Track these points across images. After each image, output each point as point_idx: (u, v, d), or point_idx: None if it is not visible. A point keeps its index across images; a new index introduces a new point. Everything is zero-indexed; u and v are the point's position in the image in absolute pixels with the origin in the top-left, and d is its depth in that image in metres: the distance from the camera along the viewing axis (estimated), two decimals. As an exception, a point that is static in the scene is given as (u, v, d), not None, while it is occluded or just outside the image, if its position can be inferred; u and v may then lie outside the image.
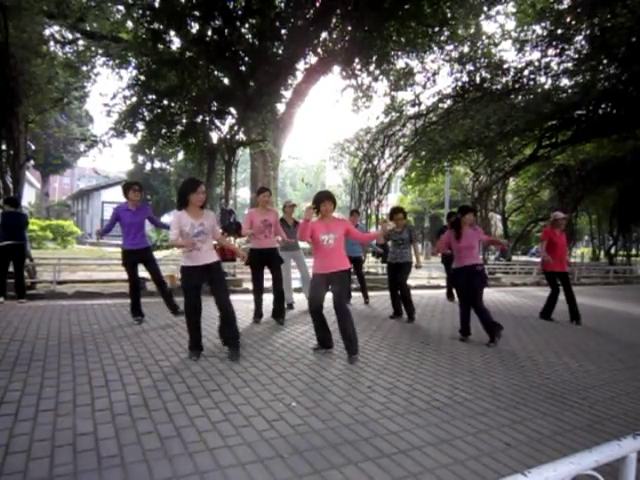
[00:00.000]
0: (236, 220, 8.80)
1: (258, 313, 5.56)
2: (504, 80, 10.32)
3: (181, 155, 15.39)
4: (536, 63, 9.87)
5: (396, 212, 6.29)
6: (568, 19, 9.01)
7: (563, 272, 6.46)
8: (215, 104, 8.83)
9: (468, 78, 10.37)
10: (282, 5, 8.39)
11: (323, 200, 4.09)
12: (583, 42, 9.36)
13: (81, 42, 10.44)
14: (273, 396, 3.02)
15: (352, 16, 8.45)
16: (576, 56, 9.55)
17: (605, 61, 9.40)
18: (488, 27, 46.57)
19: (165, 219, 22.84)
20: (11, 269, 6.33)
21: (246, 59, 8.63)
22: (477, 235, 5.04)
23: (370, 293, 7.85)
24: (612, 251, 18.94)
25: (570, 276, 13.88)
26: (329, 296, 4.13)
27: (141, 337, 4.48)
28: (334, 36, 9.54)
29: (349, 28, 9.06)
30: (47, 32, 9.43)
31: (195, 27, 8.21)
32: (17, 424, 2.44)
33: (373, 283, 9.52)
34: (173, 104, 9.13)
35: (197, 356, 3.85)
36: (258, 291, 5.56)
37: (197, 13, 7.87)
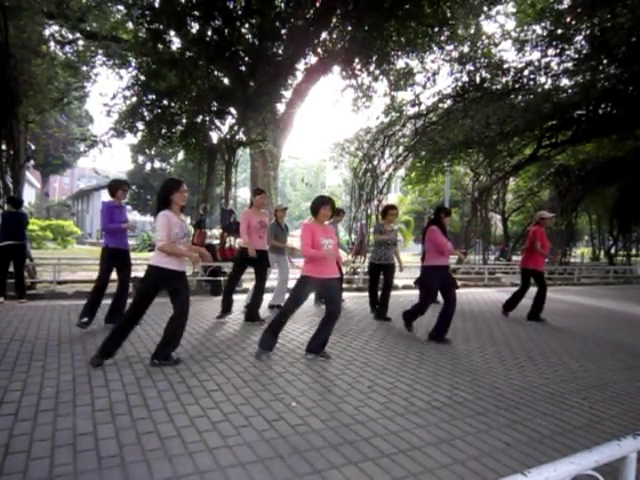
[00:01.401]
0: (236, 220, 8.80)
1: (229, 309, 5.60)
2: (504, 80, 10.31)
3: (181, 155, 15.40)
4: (536, 63, 9.86)
5: (393, 207, 6.36)
6: (568, 19, 8.99)
7: (542, 272, 6.60)
8: (215, 104, 8.82)
9: (468, 78, 10.36)
10: (282, 5, 8.38)
11: (327, 203, 4.01)
12: (583, 42, 9.34)
13: (81, 42, 10.44)
14: (273, 396, 3.02)
15: (352, 16, 8.45)
16: (576, 56, 9.54)
17: (605, 61, 9.38)
18: (488, 27, 46.61)
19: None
20: (11, 269, 6.33)
21: (246, 59, 8.63)
22: None
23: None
24: (612, 251, 18.95)
25: (570, 275, 13.92)
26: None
27: (141, 337, 4.48)
28: (334, 36, 9.53)
29: (349, 28, 9.06)
30: (47, 32, 9.44)
31: (195, 27, 8.21)
32: (17, 424, 2.44)
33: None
34: (173, 104, 9.13)
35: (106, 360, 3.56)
36: (233, 290, 5.67)
37: (197, 13, 7.87)
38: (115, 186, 4.93)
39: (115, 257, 4.83)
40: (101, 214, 4.85)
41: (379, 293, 6.44)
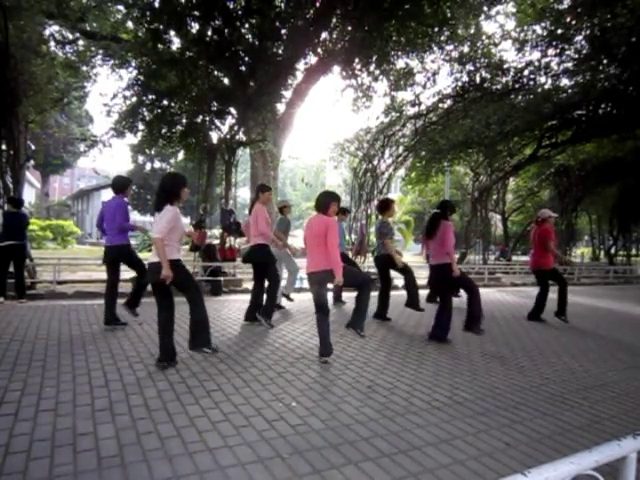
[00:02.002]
0: (236, 220, 8.80)
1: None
2: (504, 80, 10.32)
3: (181, 155, 15.39)
4: (536, 63, 9.86)
5: (393, 201, 6.24)
6: (568, 19, 9.00)
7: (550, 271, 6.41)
8: (215, 104, 8.83)
9: (468, 78, 10.36)
10: (282, 5, 8.39)
11: (337, 199, 4.11)
12: (583, 42, 9.35)
13: (81, 42, 10.44)
14: (273, 396, 3.02)
15: (352, 16, 8.45)
16: (576, 56, 9.55)
17: (605, 61, 9.39)
18: (488, 27, 46.47)
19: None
20: (11, 269, 6.33)
21: (246, 59, 8.63)
22: None
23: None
24: (612, 251, 18.94)
25: (571, 275, 13.93)
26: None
27: (141, 337, 4.48)
28: (334, 36, 9.53)
29: (349, 28, 9.06)
30: (47, 32, 9.45)
31: (195, 27, 8.22)
32: (17, 424, 2.44)
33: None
34: (173, 104, 9.13)
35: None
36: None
37: (197, 13, 7.87)
38: (127, 183, 5.02)
39: None
40: (120, 210, 4.82)
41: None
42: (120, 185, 4.95)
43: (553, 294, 6.44)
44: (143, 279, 4.85)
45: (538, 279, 6.54)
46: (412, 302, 5.82)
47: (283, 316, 6.01)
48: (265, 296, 5.35)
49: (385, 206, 6.10)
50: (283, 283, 6.75)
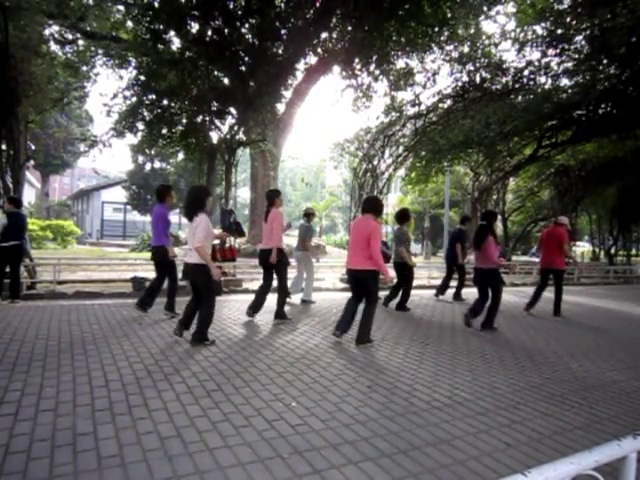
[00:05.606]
0: (236, 220, 8.79)
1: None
2: (504, 80, 10.30)
3: (181, 155, 15.39)
4: (536, 63, 9.84)
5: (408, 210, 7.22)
6: (568, 19, 8.99)
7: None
8: (215, 104, 8.83)
9: (468, 78, 10.34)
10: (282, 5, 8.38)
11: None
12: (583, 42, 9.34)
13: (81, 42, 10.42)
14: (273, 396, 3.02)
15: (352, 16, 8.45)
16: (576, 56, 9.53)
17: (605, 61, 9.38)
18: (488, 27, 46.38)
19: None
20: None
21: (246, 59, 8.63)
22: None
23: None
24: (612, 251, 18.93)
25: (571, 275, 13.89)
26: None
27: (141, 337, 4.48)
28: (334, 36, 9.53)
29: (349, 28, 9.05)
30: (47, 32, 9.42)
31: (195, 27, 8.22)
32: (17, 424, 2.44)
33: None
34: (173, 104, 9.13)
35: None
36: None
37: (197, 13, 7.87)
38: (168, 189, 5.54)
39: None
40: (162, 218, 5.36)
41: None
42: (157, 193, 5.55)
43: (553, 294, 6.51)
44: (161, 283, 5.59)
45: (544, 277, 6.95)
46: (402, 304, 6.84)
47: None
48: (273, 297, 5.64)
49: (406, 216, 6.89)
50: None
